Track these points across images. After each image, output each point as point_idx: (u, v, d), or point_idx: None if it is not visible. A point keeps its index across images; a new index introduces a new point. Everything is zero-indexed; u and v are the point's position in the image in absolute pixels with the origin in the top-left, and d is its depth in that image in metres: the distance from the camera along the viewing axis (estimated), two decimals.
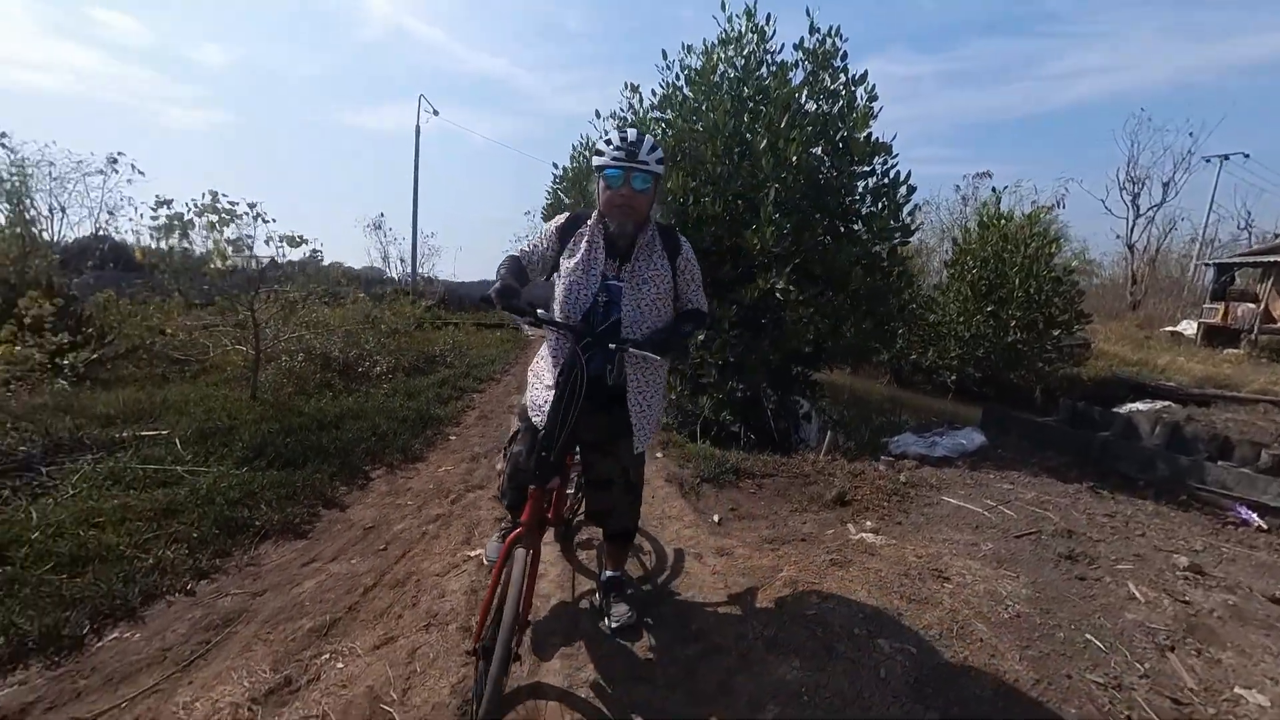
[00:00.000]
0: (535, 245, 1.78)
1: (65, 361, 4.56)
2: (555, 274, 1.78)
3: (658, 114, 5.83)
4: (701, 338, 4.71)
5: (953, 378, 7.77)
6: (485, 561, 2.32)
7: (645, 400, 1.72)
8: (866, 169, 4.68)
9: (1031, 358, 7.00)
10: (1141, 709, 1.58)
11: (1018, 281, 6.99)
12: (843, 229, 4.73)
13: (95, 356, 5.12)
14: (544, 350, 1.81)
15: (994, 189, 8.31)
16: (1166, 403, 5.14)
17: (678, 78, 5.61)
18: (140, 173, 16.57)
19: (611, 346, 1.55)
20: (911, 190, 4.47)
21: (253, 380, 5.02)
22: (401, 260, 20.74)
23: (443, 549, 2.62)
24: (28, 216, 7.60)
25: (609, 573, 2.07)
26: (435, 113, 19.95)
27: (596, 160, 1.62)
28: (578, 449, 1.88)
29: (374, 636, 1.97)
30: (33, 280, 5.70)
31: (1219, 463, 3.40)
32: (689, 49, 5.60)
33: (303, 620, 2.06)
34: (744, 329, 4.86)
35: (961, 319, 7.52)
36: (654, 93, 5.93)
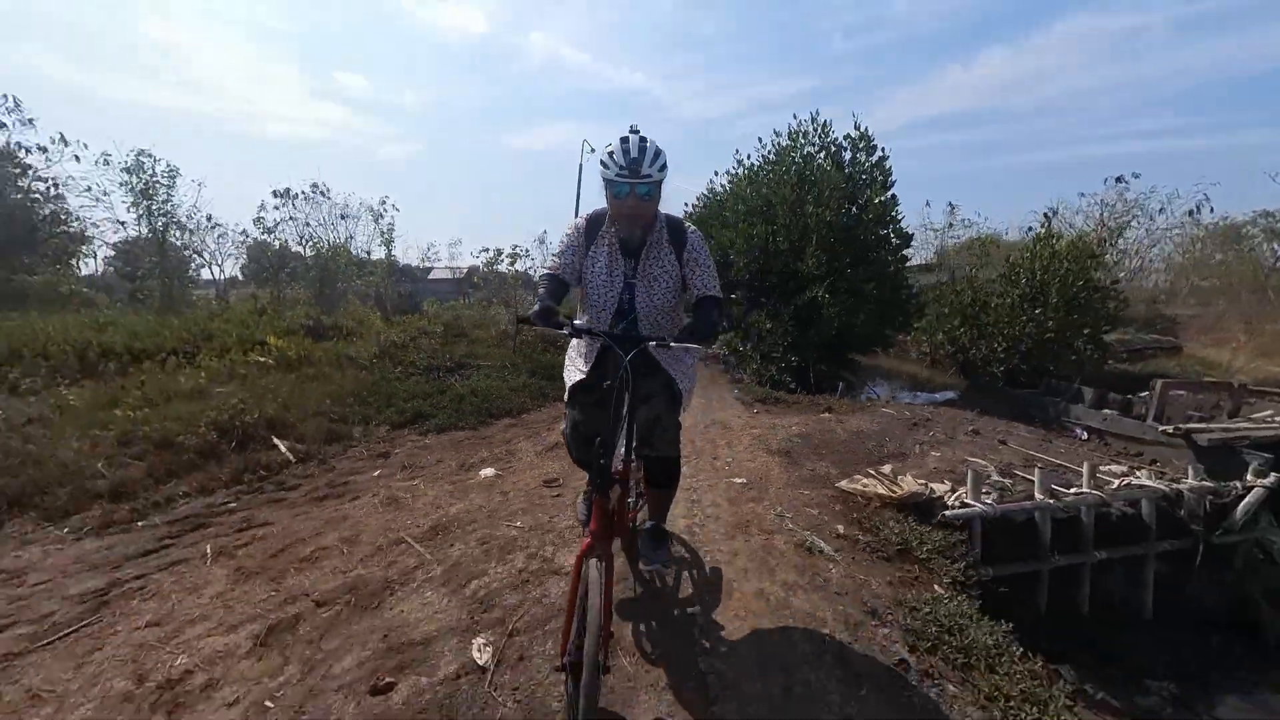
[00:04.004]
0: (566, 255, 1.84)
1: (437, 330, 9.13)
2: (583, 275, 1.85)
3: (754, 177, 8.84)
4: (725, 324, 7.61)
5: (1001, 369, 9.41)
6: (579, 518, 2.21)
7: (677, 373, 1.89)
8: (886, 219, 7.15)
9: (1063, 352, 8.50)
10: (872, 462, 4.27)
11: (1054, 291, 8.53)
12: (862, 257, 7.26)
13: (440, 330, 9.76)
14: (575, 343, 1.97)
15: (1046, 214, 9.57)
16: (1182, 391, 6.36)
17: (768, 153, 8.57)
18: (397, 209, 24.20)
19: (672, 344, 1.57)
20: (909, 235, 6.86)
21: (513, 343, 9.19)
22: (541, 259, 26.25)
23: None
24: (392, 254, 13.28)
25: (651, 521, 2.09)
26: (593, 150, 24.80)
27: (603, 173, 1.70)
28: (634, 457, 1.82)
29: None
30: (405, 293, 10.73)
31: (1077, 405, 5.34)
32: (776, 134, 8.53)
33: None
34: (798, 323, 7.65)
35: (1008, 319, 9.19)
36: (755, 163, 8.93)
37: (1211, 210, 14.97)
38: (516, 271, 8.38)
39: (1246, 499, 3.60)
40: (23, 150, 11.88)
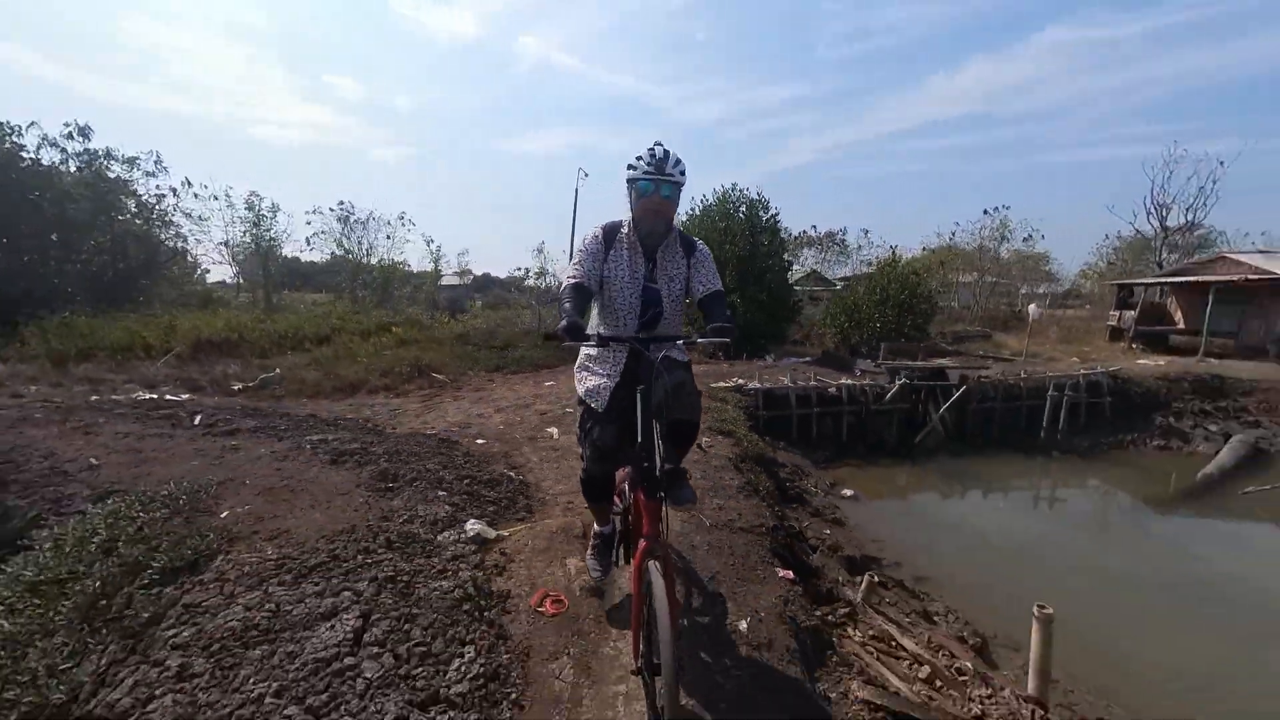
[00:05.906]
0: (587, 263, 1.97)
1: (482, 325, 13.30)
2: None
3: (701, 221, 13.25)
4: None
5: (865, 349, 13.99)
6: (590, 580, 2.24)
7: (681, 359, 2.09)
8: (775, 253, 11.59)
9: (897, 336, 13.09)
10: (732, 378, 8.59)
11: (892, 298, 13.11)
12: (757, 278, 11.69)
13: (483, 324, 13.90)
14: (590, 354, 2.13)
15: (894, 249, 14.18)
16: (946, 360, 10.85)
17: (711, 206, 13.00)
18: (413, 223, 28.06)
19: (700, 340, 1.82)
20: (790, 264, 11.30)
21: (535, 333, 13.41)
22: (555, 275, 30.44)
23: None
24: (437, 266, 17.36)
25: (670, 465, 2.06)
26: (586, 175, 29.10)
27: (630, 174, 1.89)
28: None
29: None
30: (442, 298, 14.83)
31: (861, 359, 9.77)
32: (714, 191, 12.95)
33: None
34: None
35: (869, 317, 13.78)
36: (706, 205, 13.31)
37: (1043, 237, 19.90)
38: (545, 284, 12.61)
39: (891, 391, 8.01)
40: (161, 191, 15.76)
